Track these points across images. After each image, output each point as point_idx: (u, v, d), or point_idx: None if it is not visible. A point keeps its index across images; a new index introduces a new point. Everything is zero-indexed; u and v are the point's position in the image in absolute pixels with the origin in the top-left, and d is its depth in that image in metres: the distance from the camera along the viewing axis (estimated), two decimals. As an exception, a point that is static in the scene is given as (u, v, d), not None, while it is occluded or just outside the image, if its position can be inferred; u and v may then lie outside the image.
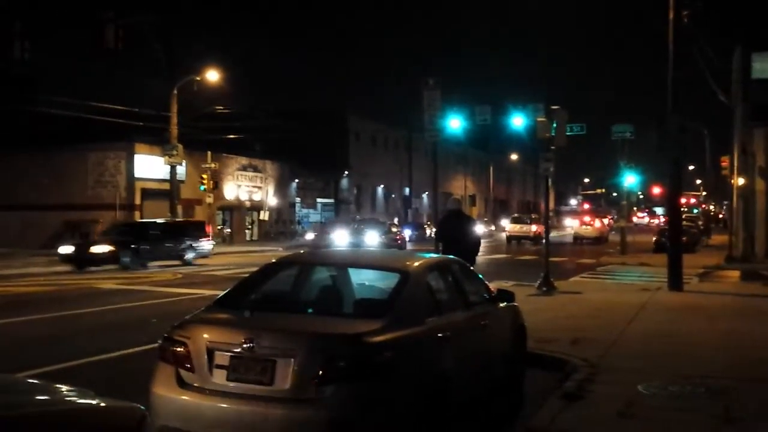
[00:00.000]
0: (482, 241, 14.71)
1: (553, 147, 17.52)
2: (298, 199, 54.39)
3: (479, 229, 13.01)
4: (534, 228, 47.62)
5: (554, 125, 17.35)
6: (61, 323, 12.75)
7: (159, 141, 36.61)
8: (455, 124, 25.25)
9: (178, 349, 5.48)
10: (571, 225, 64.27)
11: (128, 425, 3.26)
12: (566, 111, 17.92)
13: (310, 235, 40.73)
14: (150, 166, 38.21)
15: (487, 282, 8.26)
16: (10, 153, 39.38)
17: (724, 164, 39.47)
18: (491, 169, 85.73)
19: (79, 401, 3.27)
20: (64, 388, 3.42)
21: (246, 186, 47.84)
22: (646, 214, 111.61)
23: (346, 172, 60.16)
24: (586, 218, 55.86)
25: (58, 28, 35.72)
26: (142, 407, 3.49)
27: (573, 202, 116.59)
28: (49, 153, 38.53)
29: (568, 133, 19.08)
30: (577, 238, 51.26)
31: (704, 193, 74.11)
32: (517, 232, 49.13)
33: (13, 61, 27.17)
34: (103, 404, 3.27)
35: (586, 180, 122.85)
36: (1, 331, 11.79)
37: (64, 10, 37.40)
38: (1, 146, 39.64)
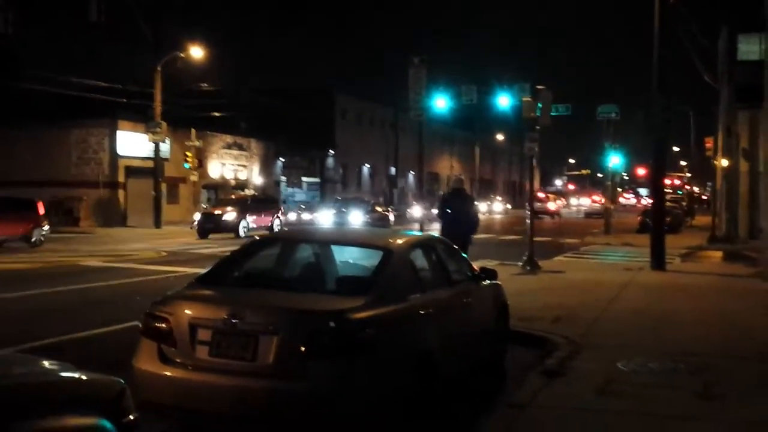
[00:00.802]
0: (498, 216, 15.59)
1: (538, 127, 17.56)
2: (283, 178, 54.23)
3: (496, 206, 13.68)
4: (552, 206, 58.07)
5: (539, 105, 17.37)
6: (44, 300, 12.70)
7: (143, 118, 36.32)
8: (441, 103, 25.21)
9: (161, 324, 5.48)
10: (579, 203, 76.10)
11: (107, 397, 3.27)
12: (551, 91, 17.94)
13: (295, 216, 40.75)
14: (134, 143, 37.91)
15: (470, 261, 8.30)
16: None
17: (708, 145, 39.74)
18: (477, 149, 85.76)
19: (58, 373, 3.28)
20: (43, 361, 3.42)
21: (231, 164, 47.61)
22: (632, 194, 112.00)
23: (332, 151, 60.00)
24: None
25: (41, 1, 35.23)
26: (122, 380, 3.49)
27: (558, 182, 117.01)
28: (32, 129, 38.11)
29: (553, 114, 19.14)
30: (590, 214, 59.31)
31: (689, 175, 74.56)
32: (537, 209, 51.39)
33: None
34: (82, 377, 3.28)
35: (572, 161, 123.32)
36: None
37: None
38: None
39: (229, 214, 30.44)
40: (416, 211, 43.84)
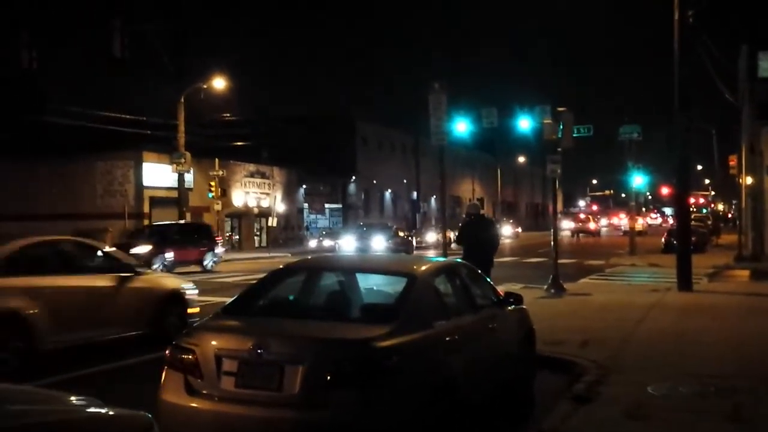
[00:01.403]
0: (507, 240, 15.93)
1: (560, 149, 17.51)
2: (306, 205, 54.47)
3: (505, 230, 14.11)
4: (592, 225, 64.53)
5: (561, 127, 17.34)
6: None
7: (167, 149, 36.73)
8: (462, 127, 25.21)
9: (187, 356, 5.50)
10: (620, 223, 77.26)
11: (135, 433, 3.28)
12: (572, 113, 17.92)
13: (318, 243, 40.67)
14: (158, 174, 38.35)
15: (495, 285, 8.26)
16: (19, 163, 39.62)
17: (732, 163, 39.31)
18: (499, 171, 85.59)
19: (86, 410, 3.29)
20: (71, 397, 3.44)
21: (254, 192, 47.94)
22: (658, 215, 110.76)
23: (354, 177, 60.21)
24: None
25: (66, 37, 35.97)
26: (149, 415, 3.51)
27: (581, 203, 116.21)
28: (58, 163, 38.74)
29: (575, 135, 19.07)
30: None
31: (713, 193, 73.77)
32: (578, 228, 63.53)
33: (21, 71, 27.41)
34: (110, 413, 3.29)
35: (594, 181, 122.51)
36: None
37: (72, 20, 37.70)
38: (10, 156, 39.90)
39: (141, 248, 25.39)
40: (430, 236, 43.90)
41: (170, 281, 12.06)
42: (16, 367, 8.53)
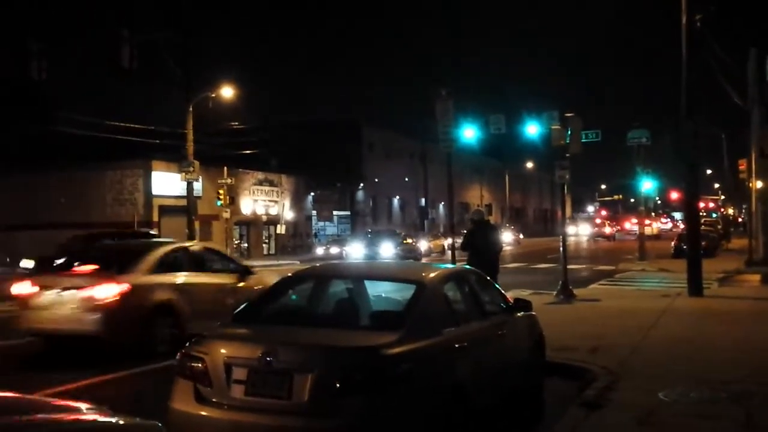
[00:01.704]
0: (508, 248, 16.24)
1: (568, 154, 17.47)
2: (314, 212, 54.52)
3: (505, 237, 14.31)
4: (608, 230, 69.72)
5: (569, 132, 17.31)
6: (80, 339, 12.79)
7: (175, 158, 36.84)
8: (469, 133, 25.25)
9: (196, 364, 5.51)
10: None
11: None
12: (580, 118, 17.88)
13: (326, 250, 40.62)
14: (167, 183, 38.50)
15: (504, 291, 8.24)
16: (29, 173, 39.84)
17: (741, 167, 39.11)
18: (507, 177, 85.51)
19: (96, 419, 3.30)
20: (81, 406, 3.45)
21: (262, 200, 48.03)
22: (668, 219, 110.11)
23: (362, 184, 60.25)
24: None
25: (74, 47, 36.22)
26: (160, 424, 3.51)
27: (590, 209, 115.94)
28: (68, 172, 38.94)
29: (583, 141, 19.03)
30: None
31: (723, 197, 73.43)
32: (597, 232, 69.81)
33: (30, 81, 27.58)
34: (120, 422, 3.29)
35: (603, 186, 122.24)
36: (22, 350, 11.89)
37: (80, 30, 37.94)
38: (19, 166, 40.12)
39: (26, 262, 21.67)
40: (422, 245, 43.61)
41: (273, 278, 13.17)
42: (166, 351, 9.66)
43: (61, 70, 31.26)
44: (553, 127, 18.11)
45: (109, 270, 10.69)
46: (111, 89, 38.67)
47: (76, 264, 11.42)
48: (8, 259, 32.87)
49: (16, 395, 3.54)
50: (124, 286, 10.30)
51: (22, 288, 11.05)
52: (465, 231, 15.19)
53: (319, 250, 43.77)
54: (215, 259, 12.84)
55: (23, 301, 10.95)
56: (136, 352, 10.06)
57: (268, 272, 17.44)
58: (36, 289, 10.79)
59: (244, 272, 12.63)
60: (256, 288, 11.63)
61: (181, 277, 11.29)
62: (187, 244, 13.55)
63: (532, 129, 23.69)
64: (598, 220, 76.66)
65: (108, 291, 10.20)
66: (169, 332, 10.52)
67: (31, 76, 25.52)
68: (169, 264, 11.39)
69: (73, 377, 9.11)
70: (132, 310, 10.30)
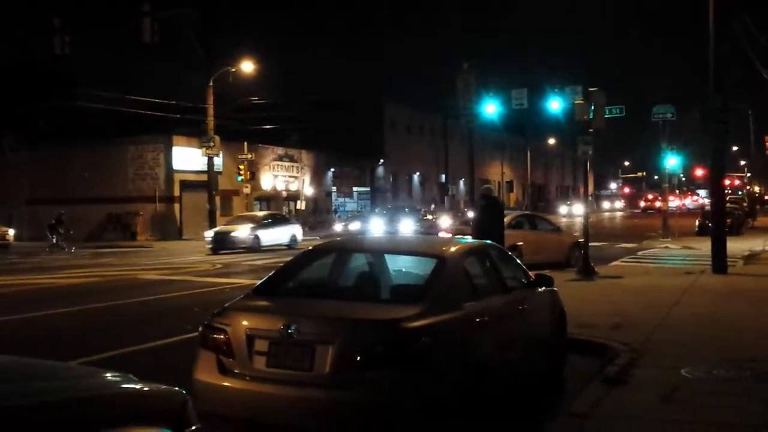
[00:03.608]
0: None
1: (591, 130, 17.28)
2: (334, 188, 54.56)
3: (505, 217, 15.89)
4: (658, 204, 67.24)
5: (592, 107, 17.10)
6: (104, 314, 13.00)
7: (196, 133, 37.01)
8: (491, 109, 25.04)
9: (219, 336, 5.53)
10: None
11: (170, 408, 3.30)
12: (604, 93, 17.65)
13: (345, 226, 40.61)
14: (188, 158, 38.66)
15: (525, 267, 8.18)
16: (53, 148, 40.21)
17: (768, 144, 38.49)
18: (528, 154, 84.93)
19: (120, 385, 3.32)
20: (106, 373, 3.47)
21: (282, 176, 48.13)
22: (696, 196, 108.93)
23: (382, 160, 60.13)
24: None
25: (96, 23, 36.30)
26: (184, 391, 3.52)
27: (613, 185, 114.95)
28: (89, 147, 39.24)
29: (606, 116, 18.79)
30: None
31: (749, 174, 72.49)
32: (648, 205, 74.16)
33: (53, 57, 27.75)
34: (144, 388, 3.32)
35: (626, 163, 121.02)
36: (48, 321, 12.07)
37: (101, 5, 37.98)
38: (44, 142, 40.50)
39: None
40: (444, 221, 43.54)
41: (574, 236, 22.03)
42: None
43: (84, 47, 31.38)
44: (577, 101, 17.91)
45: None
46: (133, 65, 38.78)
47: None
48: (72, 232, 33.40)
49: (37, 360, 3.57)
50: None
51: None
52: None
53: (339, 226, 43.83)
54: (541, 222, 21.51)
55: None
56: None
57: (570, 228, 25.01)
58: None
59: (557, 229, 21.72)
60: (566, 239, 20.57)
61: (524, 233, 19.01)
62: (526, 212, 24.27)
63: (554, 104, 23.48)
64: (650, 195, 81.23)
65: None
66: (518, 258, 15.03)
67: (54, 52, 25.63)
68: (516, 224, 19.51)
69: (110, 346, 9.27)
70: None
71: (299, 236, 32.13)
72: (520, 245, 15.88)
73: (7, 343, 9.51)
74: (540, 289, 7.77)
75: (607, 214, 75.94)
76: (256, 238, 29.46)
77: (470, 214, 23.51)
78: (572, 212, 67.82)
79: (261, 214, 34.19)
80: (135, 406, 3.20)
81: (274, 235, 30.55)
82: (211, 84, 35.41)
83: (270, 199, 46.82)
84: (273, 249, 28.95)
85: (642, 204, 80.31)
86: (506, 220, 16.92)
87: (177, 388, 3.48)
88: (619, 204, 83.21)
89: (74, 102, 35.56)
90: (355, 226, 39.35)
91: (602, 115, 17.53)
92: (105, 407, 3.07)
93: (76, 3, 35.01)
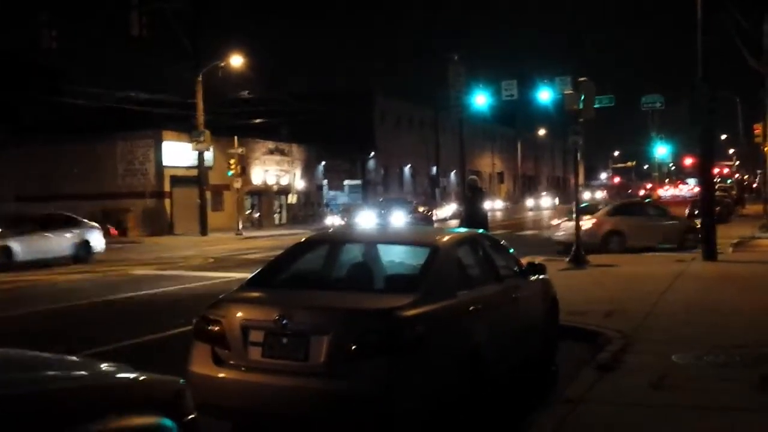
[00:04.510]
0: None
1: (581, 119, 17.33)
2: (325, 182, 54.54)
3: (488, 204, 16.20)
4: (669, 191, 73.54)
5: (582, 98, 17.15)
6: (98, 309, 13.00)
7: (186, 128, 36.89)
8: (481, 100, 25.13)
9: (213, 327, 5.56)
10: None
11: (167, 396, 3.33)
12: (593, 83, 17.70)
13: (335, 220, 40.53)
14: (178, 153, 38.51)
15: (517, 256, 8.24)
16: (41, 144, 39.96)
17: (757, 132, 38.71)
18: (519, 145, 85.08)
19: (116, 375, 3.35)
20: (102, 363, 3.50)
21: (273, 170, 48.05)
22: (686, 185, 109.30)
23: (373, 153, 60.14)
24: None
25: (84, 16, 36.13)
26: (181, 380, 3.55)
27: (603, 176, 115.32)
28: (79, 143, 39.00)
29: (596, 106, 18.85)
30: None
31: (737, 162, 72.86)
32: (646, 194, 72.14)
33: (40, 51, 27.61)
34: (141, 377, 3.34)
35: (616, 153, 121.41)
36: (43, 317, 12.07)
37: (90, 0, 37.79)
38: (32, 137, 40.25)
39: None
40: (441, 212, 43.72)
41: (688, 222, 23.39)
42: (616, 249, 20.27)
43: (72, 41, 31.27)
44: (566, 92, 17.98)
45: (593, 214, 21.93)
46: (121, 59, 38.65)
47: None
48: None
49: (33, 353, 3.59)
50: (593, 220, 21.21)
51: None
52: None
53: (329, 220, 43.88)
54: (652, 209, 23.66)
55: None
56: (596, 251, 18.73)
57: (681, 214, 27.88)
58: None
59: (670, 216, 22.79)
60: (679, 224, 22.39)
61: (625, 218, 21.21)
62: (635, 200, 27.44)
63: (544, 95, 23.54)
64: (648, 185, 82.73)
65: (588, 222, 20.72)
66: (618, 243, 20.46)
67: (42, 46, 25.50)
68: (619, 211, 22.02)
69: (105, 341, 9.34)
70: (597, 230, 20.79)
71: (97, 244, 23.33)
72: (620, 230, 19.47)
73: (3, 338, 9.51)
74: (532, 278, 7.83)
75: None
76: (5, 250, 20.33)
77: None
78: (539, 205, 67.61)
79: (38, 214, 24.22)
80: (132, 395, 3.23)
81: (46, 245, 21.57)
82: (199, 78, 35.30)
83: (261, 193, 46.75)
84: (45, 263, 21.01)
85: (641, 193, 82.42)
86: (607, 208, 22.09)
87: (173, 377, 3.51)
88: (601, 195, 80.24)
89: (62, 96, 35.38)
90: (346, 219, 39.40)
91: (592, 105, 17.58)
92: (101, 396, 3.10)
93: (64, -2, 34.88)
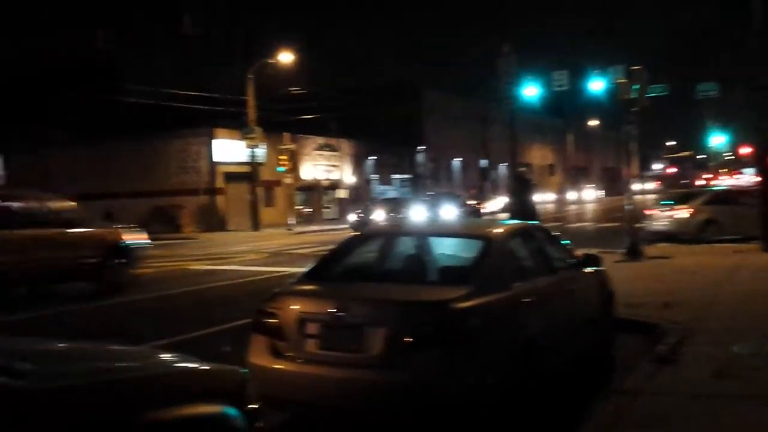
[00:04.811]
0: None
1: (634, 109, 17.04)
2: (374, 176, 54.70)
3: (586, 194, 15.62)
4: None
5: (635, 87, 16.85)
6: (158, 303, 13.30)
7: (238, 125, 37.41)
8: (531, 91, 24.86)
9: (271, 320, 5.66)
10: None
11: (231, 386, 3.41)
12: (647, 71, 17.39)
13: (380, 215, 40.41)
14: (230, 150, 39.10)
15: (572, 248, 8.16)
16: (97, 144, 41.00)
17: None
18: (569, 136, 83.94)
19: (181, 365, 3.45)
20: (166, 354, 3.61)
21: (323, 165, 48.39)
22: (745, 175, 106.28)
23: (421, 147, 60.06)
24: None
25: (138, 18, 36.93)
26: (244, 370, 3.64)
27: (657, 166, 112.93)
28: (133, 142, 39.92)
29: (650, 95, 18.51)
30: None
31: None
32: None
33: (97, 53, 28.34)
34: (205, 367, 3.44)
35: (670, 143, 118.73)
36: (107, 310, 12.42)
37: (144, 1, 38.59)
38: (88, 136, 41.32)
39: None
40: (493, 204, 43.15)
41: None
42: (710, 239, 20.13)
43: (126, 42, 32.01)
44: (619, 81, 17.66)
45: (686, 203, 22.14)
46: (175, 59, 39.34)
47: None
48: None
49: (97, 345, 3.72)
50: (690, 210, 21.37)
51: None
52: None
53: (380, 214, 43.97)
54: (745, 198, 21.60)
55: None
56: (693, 240, 19.69)
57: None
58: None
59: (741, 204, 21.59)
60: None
61: (722, 206, 21.30)
62: (732, 189, 28.29)
63: (596, 85, 23.18)
64: (706, 175, 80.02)
65: (684, 212, 21.46)
66: (714, 232, 20.37)
67: (99, 48, 26.16)
68: (717, 200, 21.99)
69: (165, 334, 9.56)
70: (694, 218, 21.03)
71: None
72: (716, 219, 19.84)
73: (72, 331, 9.85)
74: (588, 269, 7.75)
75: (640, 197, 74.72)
76: None
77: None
78: (582, 198, 65.97)
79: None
80: (197, 384, 3.32)
81: None
82: (250, 76, 35.74)
83: (311, 189, 47.15)
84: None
85: (700, 184, 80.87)
86: (702, 198, 22.05)
87: (237, 367, 3.60)
88: (651, 185, 77.86)
89: (117, 97, 36.23)
90: (395, 213, 39.40)
91: (645, 95, 17.28)
92: (168, 385, 3.19)
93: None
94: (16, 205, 12.93)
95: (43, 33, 39.89)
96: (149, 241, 16.76)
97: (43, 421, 2.62)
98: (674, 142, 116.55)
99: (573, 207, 57.29)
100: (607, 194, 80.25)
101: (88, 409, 2.77)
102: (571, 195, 68.30)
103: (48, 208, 13.51)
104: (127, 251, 14.72)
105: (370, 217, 34.84)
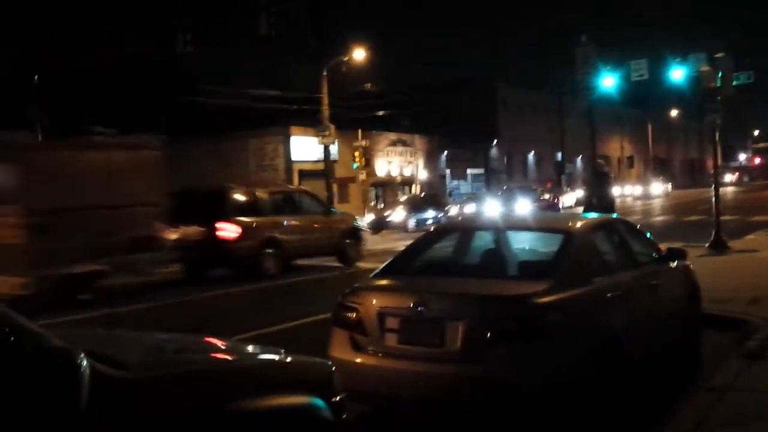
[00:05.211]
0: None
1: (718, 98, 16.45)
2: (448, 171, 54.47)
3: (654, 188, 15.31)
4: None
5: (719, 74, 16.27)
6: (234, 299, 13.62)
7: (312, 122, 37.85)
8: (609, 82, 24.22)
9: (351, 314, 5.72)
10: None
11: (319, 378, 3.49)
12: (732, 58, 16.77)
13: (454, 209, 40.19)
14: (306, 147, 39.64)
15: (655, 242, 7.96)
16: (178, 143, 42.07)
17: None
18: (649, 127, 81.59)
19: (271, 357, 3.54)
20: (256, 346, 3.71)
21: (396, 161, 48.48)
22: None
23: (495, 141, 59.48)
24: None
25: (213, 19, 37.79)
26: (330, 363, 3.70)
27: (742, 156, 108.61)
28: (213, 142, 40.91)
29: (734, 83, 17.84)
30: None
31: None
32: None
33: (176, 55, 29.16)
34: (293, 359, 3.52)
35: (755, 132, 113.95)
36: (185, 304, 12.80)
37: (220, 2, 39.49)
38: (170, 137, 42.48)
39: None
40: (569, 198, 42.06)
41: None
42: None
43: (203, 44, 32.81)
44: (702, 68, 17.08)
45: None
46: (251, 60, 40.14)
47: None
48: None
49: (194, 337, 3.85)
50: None
51: None
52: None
53: (454, 209, 43.82)
54: None
55: None
56: None
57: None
58: None
59: None
60: None
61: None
62: None
63: (677, 73, 22.46)
64: None
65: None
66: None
67: (177, 51, 26.89)
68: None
69: (259, 325, 9.80)
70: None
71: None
72: None
73: (167, 323, 10.20)
74: (672, 264, 7.55)
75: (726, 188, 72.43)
76: None
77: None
78: (664, 190, 63.04)
79: None
80: (286, 376, 3.41)
81: None
82: (324, 74, 36.09)
83: (385, 185, 47.31)
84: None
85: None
86: None
87: (324, 360, 3.67)
88: (730, 177, 74.95)
89: (196, 98, 37.17)
90: (470, 208, 39.18)
91: (730, 83, 16.66)
92: (256, 376, 3.28)
93: (197, 1, 36.59)
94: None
95: (121, 42, 41.40)
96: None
97: (139, 408, 2.74)
98: (758, 132, 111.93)
99: (654, 200, 55.64)
100: (690, 186, 77.69)
101: (180, 399, 2.88)
102: (652, 187, 66.21)
103: (306, 198, 17.72)
104: (358, 232, 18.59)
105: (449, 214, 34.76)
